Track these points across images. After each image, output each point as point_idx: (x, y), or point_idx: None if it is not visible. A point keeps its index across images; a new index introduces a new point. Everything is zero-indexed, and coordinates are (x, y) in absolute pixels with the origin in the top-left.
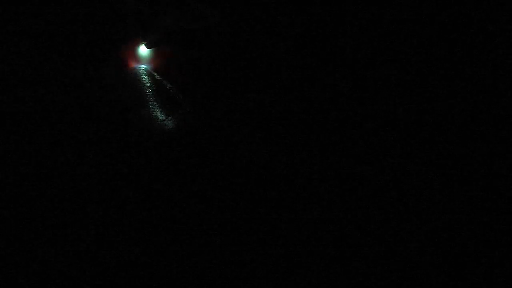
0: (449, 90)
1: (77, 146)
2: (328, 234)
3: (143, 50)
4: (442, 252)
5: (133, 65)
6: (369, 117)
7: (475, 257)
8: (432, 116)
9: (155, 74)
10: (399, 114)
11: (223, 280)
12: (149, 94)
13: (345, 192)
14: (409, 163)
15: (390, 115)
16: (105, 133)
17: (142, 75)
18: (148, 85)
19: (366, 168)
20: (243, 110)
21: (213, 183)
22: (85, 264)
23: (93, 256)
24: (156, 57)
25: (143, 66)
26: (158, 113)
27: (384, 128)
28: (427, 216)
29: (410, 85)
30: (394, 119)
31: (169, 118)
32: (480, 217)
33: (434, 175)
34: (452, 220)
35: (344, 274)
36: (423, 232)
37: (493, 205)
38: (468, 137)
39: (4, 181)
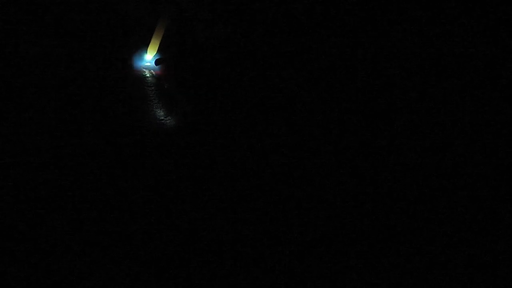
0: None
1: (75, 145)
2: (328, 234)
3: (144, 51)
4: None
5: (133, 64)
6: (371, 117)
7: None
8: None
9: (154, 73)
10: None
11: (224, 280)
12: (148, 94)
13: (345, 192)
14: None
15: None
16: (104, 133)
17: (141, 75)
18: (147, 84)
19: (366, 167)
20: (243, 110)
21: (213, 183)
22: (84, 264)
23: (91, 256)
24: (157, 57)
25: (142, 66)
26: (157, 113)
27: (385, 128)
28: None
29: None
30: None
31: (168, 117)
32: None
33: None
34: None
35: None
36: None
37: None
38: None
39: (5, 180)
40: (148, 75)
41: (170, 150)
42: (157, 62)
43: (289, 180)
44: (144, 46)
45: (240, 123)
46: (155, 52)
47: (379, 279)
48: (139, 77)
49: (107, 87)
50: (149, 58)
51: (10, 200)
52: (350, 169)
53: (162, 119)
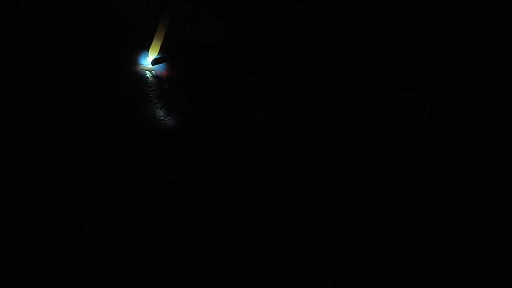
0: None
1: (74, 145)
2: (328, 234)
3: (145, 51)
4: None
5: (133, 64)
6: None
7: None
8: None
9: (154, 73)
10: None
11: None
12: (148, 94)
13: (345, 192)
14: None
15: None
16: (103, 133)
17: (141, 75)
18: (147, 84)
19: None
20: (243, 110)
21: (213, 183)
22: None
23: (91, 256)
24: (157, 57)
25: (143, 66)
26: (157, 113)
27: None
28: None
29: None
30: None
31: (168, 117)
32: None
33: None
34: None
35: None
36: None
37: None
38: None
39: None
40: (148, 75)
41: (170, 150)
42: (154, 62)
43: (289, 180)
44: (144, 46)
45: (240, 123)
46: (157, 53)
47: (379, 279)
48: (139, 77)
49: (106, 87)
50: (150, 58)
51: (9, 200)
52: (350, 169)
53: (162, 119)
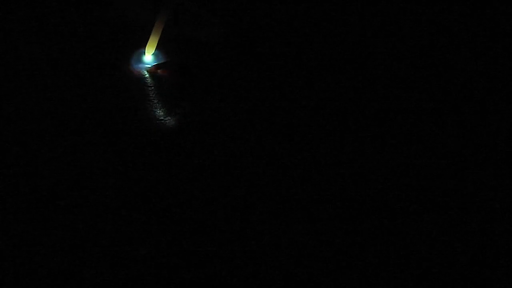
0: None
1: (74, 145)
2: (328, 234)
3: (143, 51)
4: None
5: (133, 64)
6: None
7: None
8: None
9: (153, 73)
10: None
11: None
12: (148, 94)
13: (345, 192)
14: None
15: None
16: (102, 133)
17: (141, 75)
18: (147, 84)
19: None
20: (243, 110)
21: (213, 183)
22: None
23: (91, 256)
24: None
25: (142, 66)
26: (157, 113)
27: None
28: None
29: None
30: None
31: (168, 117)
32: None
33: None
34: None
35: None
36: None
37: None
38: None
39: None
40: (147, 75)
41: (170, 151)
42: (154, 67)
43: (289, 180)
44: (144, 46)
45: (241, 123)
46: (154, 51)
47: (379, 279)
48: (139, 77)
49: (106, 87)
50: (148, 57)
51: (9, 200)
52: (350, 169)
53: (162, 119)
